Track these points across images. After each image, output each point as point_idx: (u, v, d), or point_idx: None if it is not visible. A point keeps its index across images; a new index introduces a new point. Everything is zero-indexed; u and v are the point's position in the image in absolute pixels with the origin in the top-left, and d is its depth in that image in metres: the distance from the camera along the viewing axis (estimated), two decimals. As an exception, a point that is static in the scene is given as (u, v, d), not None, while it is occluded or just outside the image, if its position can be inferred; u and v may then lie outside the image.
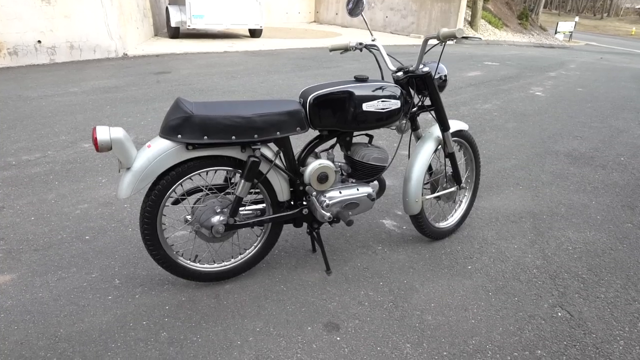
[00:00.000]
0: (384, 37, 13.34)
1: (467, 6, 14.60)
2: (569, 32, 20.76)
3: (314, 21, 17.08)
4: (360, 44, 2.06)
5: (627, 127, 4.84)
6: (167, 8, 9.78)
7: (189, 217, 1.85)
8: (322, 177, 1.86)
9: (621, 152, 4.01)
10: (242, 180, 1.74)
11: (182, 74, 6.35)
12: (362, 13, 2.04)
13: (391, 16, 14.56)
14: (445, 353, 1.64)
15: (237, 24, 9.95)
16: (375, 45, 2.06)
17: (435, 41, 1.83)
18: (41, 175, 2.97)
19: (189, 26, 9.42)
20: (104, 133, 1.54)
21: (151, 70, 6.50)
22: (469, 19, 14.98)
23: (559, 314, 1.87)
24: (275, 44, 10.07)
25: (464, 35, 1.68)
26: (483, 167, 3.47)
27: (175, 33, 9.82)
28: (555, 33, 19.65)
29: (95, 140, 1.53)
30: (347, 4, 2.03)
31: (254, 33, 10.86)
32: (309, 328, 1.73)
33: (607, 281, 2.11)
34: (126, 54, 7.60)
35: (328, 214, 1.89)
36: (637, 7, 53.19)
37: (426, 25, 13.84)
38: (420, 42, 12.70)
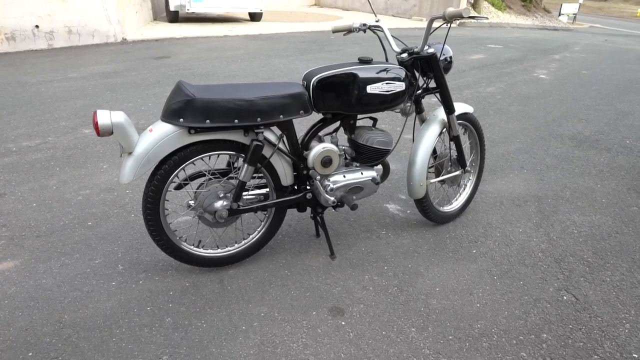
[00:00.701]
0: (385, 20, 13.13)
1: (470, -12, 14.34)
2: (573, 14, 20.43)
3: (315, 4, 16.82)
4: (364, 24, 2.01)
5: (632, 110, 4.78)
6: (165, -9, 9.62)
7: (191, 202, 1.84)
8: (326, 161, 1.83)
9: (626, 134, 3.96)
10: (245, 165, 1.71)
11: (182, 59, 6.27)
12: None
13: (393, -2, 14.32)
14: (450, 337, 1.64)
15: (237, 7, 9.79)
16: (379, 26, 2.01)
17: (440, 22, 1.78)
18: (42, 161, 2.95)
19: (188, 10, 9.28)
20: (104, 117, 1.52)
21: (151, 55, 6.42)
22: (472, 2, 14.73)
23: (565, 298, 1.87)
24: (275, 28, 9.93)
25: (471, 15, 1.63)
26: (487, 150, 3.44)
27: (175, 17, 9.68)
28: (559, 15, 19.34)
29: (96, 125, 1.51)
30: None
31: (254, 17, 10.71)
32: (314, 313, 1.73)
33: (613, 264, 2.10)
34: (125, 39, 7.51)
35: (332, 198, 1.87)
36: (643, -13, 52.12)
37: (428, 7, 13.61)
38: (422, 24, 12.51)
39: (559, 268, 2.06)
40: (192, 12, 9.40)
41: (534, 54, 8.40)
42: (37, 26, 6.49)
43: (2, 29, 6.21)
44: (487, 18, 1.73)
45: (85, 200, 2.48)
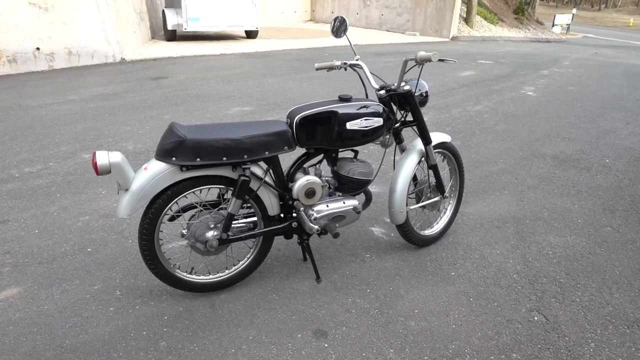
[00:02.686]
0: (379, 35, 13.40)
1: (463, 2, 14.65)
2: (567, 24, 20.79)
3: (310, 20, 17.13)
4: (345, 63, 2.16)
5: (614, 128, 4.95)
6: (163, 11, 9.85)
7: (184, 231, 1.96)
8: (310, 193, 1.97)
9: (607, 153, 4.11)
10: (234, 198, 1.85)
11: (179, 79, 6.44)
12: (346, 34, 2.14)
13: (387, 14, 14.62)
14: (426, 358, 1.76)
15: (233, 25, 10.02)
16: (359, 65, 2.16)
17: (413, 63, 1.93)
18: (43, 187, 3.08)
19: (185, 29, 9.50)
20: (103, 158, 1.65)
21: (148, 76, 6.59)
22: (465, 16, 15.03)
23: (536, 318, 1.99)
24: (271, 45, 10.15)
25: (440, 59, 1.78)
26: (471, 171, 3.58)
27: (172, 36, 9.89)
28: (553, 26, 19.69)
29: (95, 165, 1.64)
30: (331, 27, 2.14)
31: (250, 34, 10.94)
32: (299, 335, 1.85)
33: (583, 285, 2.23)
34: (124, 59, 7.69)
35: (316, 227, 2.00)
36: (635, -2, 52.99)
37: (421, 22, 13.90)
38: (415, 39, 12.77)
39: (532, 289, 2.19)
40: (190, 31, 9.62)
41: (524, 69, 8.61)
42: (38, 48, 6.67)
43: (4, 51, 6.38)
44: (455, 61, 1.88)
45: (84, 227, 2.61)
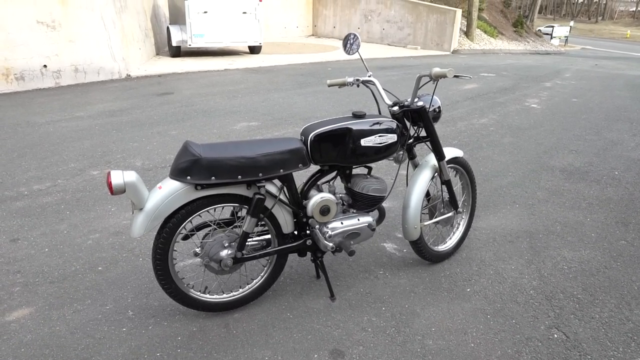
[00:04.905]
0: (381, 49, 13.52)
1: (463, 16, 14.81)
2: (565, 36, 21.00)
3: (312, 35, 17.31)
4: (357, 79, 2.17)
5: (620, 139, 4.94)
6: (168, 28, 9.97)
7: (198, 249, 1.95)
8: (324, 210, 1.95)
9: (615, 165, 4.10)
10: (249, 217, 1.83)
11: (185, 95, 6.48)
12: (359, 51, 2.15)
13: (388, 28, 14.77)
14: (445, 378, 1.72)
15: (237, 41, 10.13)
16: (371, 81, 2.17)
17: (427, 79, 1.93)
18: (52, 205, 3.07)
19: (189, 45, 9.61)
20: (118, 177, 1.64)
21: (154, 92, 6.63)
22: (465, 29, 15.18)
23: (555, 336, 1.95)
24: (274, 60, 10.24)
25: (456, 75, 1.78)
26: (480, 185, 3.57)
27: (177, 52, 10.00)
28: (551, 38, 19.87)
29: (110, 185, 1.63)
30: (344, 44, 2.15)
31: (254, 49, 11.05)
32: (315, 356, 1.81)
33: (602, 301, 2.19)
34: (129, 75, 7.76)
35: (331, 244, 1.98)
36: (631, 10, 53.57)
37: (422, 36, 14.03)
38: (417, 52, 12.87)
39: (550, 305, 2.15)
40: (194, 47, 9.72)
41: (526, 81, 8.65)
42: (45, 66, 6.73)
43: (12, 69, 6.45)
44: (470, 77, 1.88)
45: (95, 245, 2.59)
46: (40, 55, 6.64)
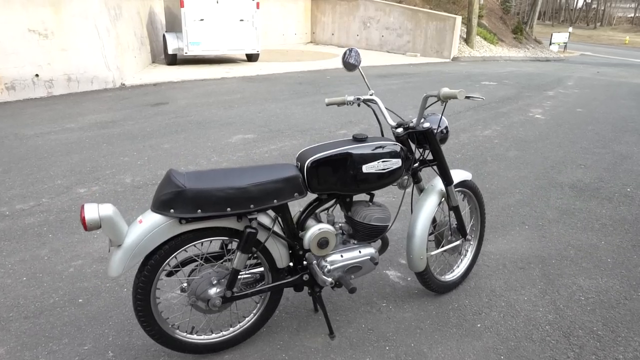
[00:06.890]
0: (380, 56, 13.40)
1: (462, 23, 14.72)
2: (564, 43, 20.92)
3: (311, 42, 17.20)
4: (358, 98, 2.01)
5: (630, 153, 4.78)
6: (164, 35, 9.83)
7: (184, 285, 1.77)
8: (322, 243, 1.78)
9: (627, 181, 3.93)
10: (239, 252, 1.66)
11: (180, 105, 6.32)
12: (359, 67, 1.99)
13: (387, 35, 14.66)
14: None
15: (234, 49, 9.99)
16: (373, 100, 2.00)
17: (434, 99, 1.77)
18: (35, 226, 2.89)
19: (186, 53, 9.47)
20: (92, 211, 1.47)
21: (148, 102, 6.47)
22: (465, 36, 15.08)
23: (576, 381, 1.78)
24: (272, 68, 10.09)
25: (467, 96, 1.62)
26: (487, 204, 3.40)
27: (173, 60, 9.85)
28: (550, 44, 19.79)
29: (83, 220, 1.46)
30: (342, 59, 1.98)
31: (251, 57, 10.91)
32: (313, 407, 1.63)
33: (624, 338, 2.02)
34: (124, 84, 7.60)
35: (330, 279, 1.81)
36: (630, 16, 53.77)
37: (422, 43, 13.92)
38: (416, 60, 12.75)
39: (569, 343, 1.98)
40: (190, 55, 9.58)
41: (528, 90, 8.50)
42: (37, 75, 6.57)
43: (2, 78, 6.28)
44: (482, 99, 1.71)
45: (77, 273, 2.41)
46: (32, 64, 6.48)
